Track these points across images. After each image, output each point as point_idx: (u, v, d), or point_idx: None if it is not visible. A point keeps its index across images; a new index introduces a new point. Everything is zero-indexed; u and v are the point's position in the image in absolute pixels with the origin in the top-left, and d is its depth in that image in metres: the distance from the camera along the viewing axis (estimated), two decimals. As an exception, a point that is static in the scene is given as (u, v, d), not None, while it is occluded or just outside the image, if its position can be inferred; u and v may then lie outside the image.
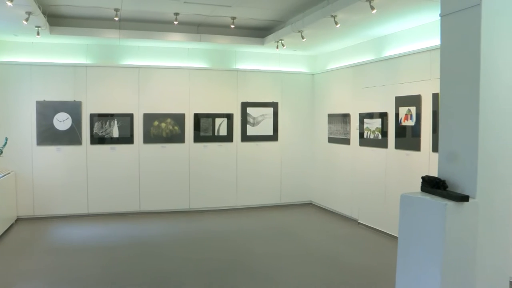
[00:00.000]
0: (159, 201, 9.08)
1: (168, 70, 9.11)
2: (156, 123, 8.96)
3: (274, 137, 9.86)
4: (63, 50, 8.64)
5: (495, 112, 4.12)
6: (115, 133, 8.76)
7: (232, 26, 8.17)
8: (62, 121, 8.41)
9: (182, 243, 7.08)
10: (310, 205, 10.15)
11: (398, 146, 7.19)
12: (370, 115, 7.88)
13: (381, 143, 7.58)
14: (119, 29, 8.09)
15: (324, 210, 9.61)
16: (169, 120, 9.05)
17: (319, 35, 7.90)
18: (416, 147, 6.75)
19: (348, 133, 8.66)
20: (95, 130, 8.62)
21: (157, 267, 5.87)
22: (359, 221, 8.30)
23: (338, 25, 6.67)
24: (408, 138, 6.95)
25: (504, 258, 4.32)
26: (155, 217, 8.75)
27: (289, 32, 7.79)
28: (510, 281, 4.51)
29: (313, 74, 10.18)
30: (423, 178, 4.32)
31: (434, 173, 4.50)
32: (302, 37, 7.69)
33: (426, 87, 6.53)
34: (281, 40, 8.34)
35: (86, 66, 8.61)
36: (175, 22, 7.85)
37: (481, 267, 4.06)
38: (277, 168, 9.93)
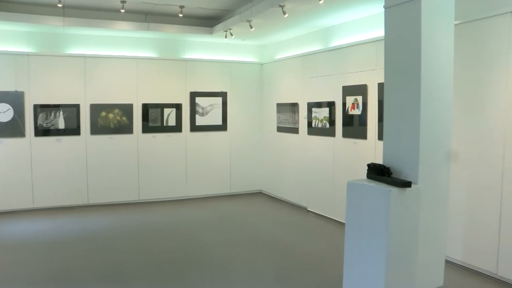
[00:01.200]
0: (108, 193, 8.91)
1: (116, 60, 8.90)
2: (103, 113, 8.77)
3: (223, 127, 9.87)
4: (2, 37, 8.25)
5: (435, 101, 4.29)
6: (61, 125, 8.51)
7: (181, 15, 8.08)
8: (2, 112, 8.08)
9: (132, 235, 7.00)
10: (260, 194, 10.25)
11: (345, 134, 7.35)
12: (318, 104, 8.00)
13: (329, 131, 7.73)
14: (63, 16, 7.83)
15: (274, 198, 9.72)
16: (116, 110, 8.87)
17: (267, 25, 7.92)
18: (362, 135, 6.92)
19: (297, 122, 8.77)
20: (39, 122, 8.34)
21: (108, 261, 5.78)
22: (308, 208, 8.45)
23: (286, 15, 6.72)
24: (355, 126, 7.12)
25: (442, 238, 4.55)
26: (104, 210, 8.60)
27: (237, 21, 7.77)
28: (445, 259, 4.75)
29: (261, 64, 10.22)
30: (368, 165, 4.45)
31: (380, 160, 4.64)
32: (251, 27, 7.70)
33: (372, 77, 6.70)
34: (230, 29, 8.31)
35: (28, 54, 8.28)
36: (122, 10, 7.67)
37: (422, 247, 4.25)
38: (226, 158, 9.95)
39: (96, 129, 8.74)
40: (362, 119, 6.94)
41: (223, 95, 9.81)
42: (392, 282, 3.97)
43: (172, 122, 9.36)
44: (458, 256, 5.45)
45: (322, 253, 6.13)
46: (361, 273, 4.21)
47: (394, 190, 3.87)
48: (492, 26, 5.03)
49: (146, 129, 9.15)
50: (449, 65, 4.43)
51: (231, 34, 8.47)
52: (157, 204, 9.10)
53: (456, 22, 5.01)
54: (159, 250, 6.21)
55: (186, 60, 9.49)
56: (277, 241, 6.67)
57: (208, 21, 9.00)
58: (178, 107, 9.39)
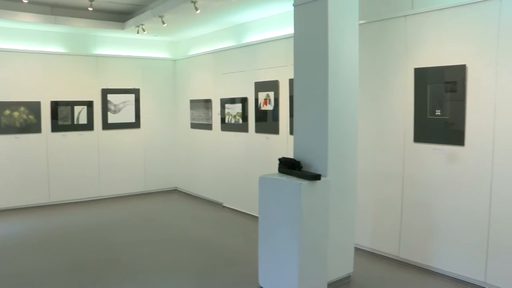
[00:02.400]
0: (15, 196, 8.40)
1: (20, 54, 8.39)
2: (7, 112, 8.28)
3: (136, 124, 9.68)
4: None
5: (342, 96, 4.50)
6: (-41, 124, 7.94)
7: (90, 9, 7.79)
8: None
9: (43, 239, 6.67)
10: (175, 191, 10.18)
11: (258, 130, 7.48)
12: (232, 100, 8.08)
13: (242, 127, 7.83)
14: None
15: (190, 195, 9.70)
16: (22, 108, 8.41)
17: (180, 21, 7.87)
18: (275, 130, 7.09)
19: (210, 118, 8.80)
20: None
21: (16, 269, 5.47)
22: (223, 204, 8.52)
23: (199, 11, 6.70)
24: (267, 122, 7.27)
25: (351, 227, 4.80)
26: (11, 214, 8.13)
27: (149, 17, 7.65)
28: (355, 247, 5.03)
29: (175, 60, 10.14)
30: (280, 160, 4.59)
31: (292, 154, 4.79)
32: (163, 22, 7.61)
33: (283, 73, 6.86)
34: (142, 25, 8.17)
35: None
36: (25, 1, 7.20)
37: (332, 236, 4.46)
38: (140, 155, 9.78)
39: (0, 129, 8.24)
40: (274, 115, 7.11)
41: (136, 91, 9.62)
42: (305, 270, 4.12)
43: (83, 120, 9.04)
44: (366, 243, 5.78)
45: (238, 247, 6.22)
46: (276, 264, 4.33)
47: (304, 183, 4.02)
48: (391, 27, 5.37)
49: (56, 127, 8.77)
50: (355, 62, 4.66)
51: (143, 30, 8.33)
52: (70, 206, 8.77)
53: (361, 21, 5.31)
54: (73, 254, 6.00)
55: (97, 56, 9.19)
56: (194, 238, 6.68)
57: (119, 16, 8.77)
58: (89, 104, 9.09)
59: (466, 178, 4.68)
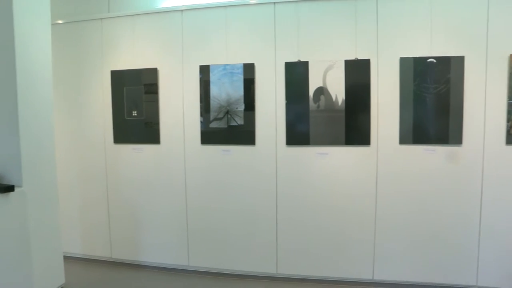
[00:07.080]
0: None
1: None
2: None
3: None
4: None
5: (33, 101, 4.28)
6: None
7: None
8: None
9: None
10: None
11: None
12: None
13: None
14: None
15: None
16: None
17: None
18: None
19: None
20: None
21: None
22: None
23: None
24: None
25: (56, 236, 4.64)
26: None
27: None
28: (65, 256, 4.90)
29: None
30: (-33, 174, 4.13)
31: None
32: None
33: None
34: None
35: None
36: None
37: (37, 249, 4.23)
38: None
39: None
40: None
41: None
42: (6, 291, 3.82)
43: None
44: (77, 250, 5.67)
45: None
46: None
47: (-6, 196, 3.71)
48: (89, 29, 5.39)
49: None
50: (48, 63, 4.47)
51: None
52: None
53: (59, 21, 5.19)
54: None
55: None
56: None
57: None
58: None
59: (163, 173, 5.13)
